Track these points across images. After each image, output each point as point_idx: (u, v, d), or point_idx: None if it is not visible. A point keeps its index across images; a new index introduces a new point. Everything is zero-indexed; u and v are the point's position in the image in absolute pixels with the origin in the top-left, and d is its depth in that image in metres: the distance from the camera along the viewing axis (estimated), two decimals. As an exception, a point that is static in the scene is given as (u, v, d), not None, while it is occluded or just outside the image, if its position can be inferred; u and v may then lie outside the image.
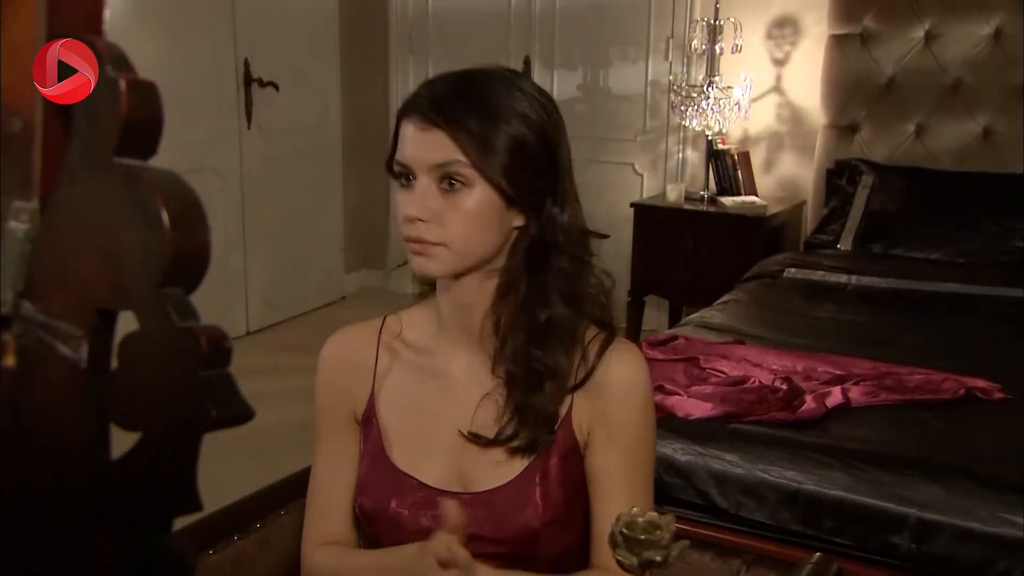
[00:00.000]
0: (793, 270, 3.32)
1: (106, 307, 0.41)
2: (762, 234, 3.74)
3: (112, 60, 0.41)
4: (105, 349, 0.41)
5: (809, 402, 2.15)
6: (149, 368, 0.40)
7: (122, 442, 0.42)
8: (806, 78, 3.95)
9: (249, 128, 4.04)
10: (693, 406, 2.15)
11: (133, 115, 0.41)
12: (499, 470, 1.14)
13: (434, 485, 1.16)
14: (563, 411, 1.15)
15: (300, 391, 3.42)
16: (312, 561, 1.25)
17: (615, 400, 1.15)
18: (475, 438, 1.14)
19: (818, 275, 3.27)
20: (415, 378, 1.21)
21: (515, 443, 1.13)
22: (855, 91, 3.74)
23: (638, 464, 1.18)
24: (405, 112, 1.09)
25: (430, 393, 1.20)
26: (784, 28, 4.02)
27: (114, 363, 0.41)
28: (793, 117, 4.07)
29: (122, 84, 0.41)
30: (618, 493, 1.15)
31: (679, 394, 2.21)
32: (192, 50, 3.78)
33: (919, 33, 3.63)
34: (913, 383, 2.27)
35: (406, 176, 1.09)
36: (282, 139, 4.17)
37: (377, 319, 1.24)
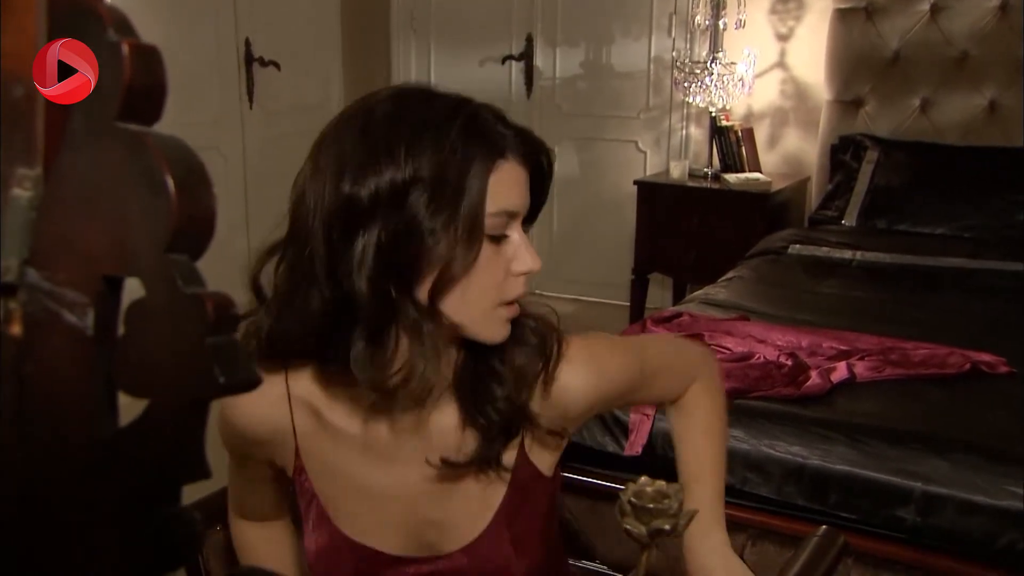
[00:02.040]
0: (798, 246, 3.31)
1: (112, 274, 0.41)
2: (766, 210, 3.73)
3: (115, 24, 0.40)
4: (111, 316, 0.41)
5: (814, 377, 2.15)
6: (156, 335, 0.40)
7: (129, 410, 0.42)
8: (810, 53, 3.93)
9: (251, 108, 4.03)
10: (698, 382, 2.15)
11: (136, 80, 0.40)
12: (464, 525, 1.06)
13: (399, 554, 1.07)
14: (515, 444, 1.05)
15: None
16: (234, 532, 1.24)
17: (595, 396, 1.07)
18: (448, 465, 1.01)
19: (823, 251, 3.26)
20: (343, 448, 1.04)
21: (489, 450, 1.02)
22: (860, 66, 3.72)
23: (647, 364, 1.14)
24: (502, 153, 0.92)
25: (366, 464, 1.04)
26: (788, 2, 3.99)
27: (121, 330, 0.41)
28: (797, 93, 4.05)
29: (125, 49, 0.40)
30: (651, 387, 1.16)
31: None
32: (193, 30, 3.76)
33: (925, 6, 3.60)
34: (918, 358, 2.27)
35: (502, 229, 0.94)
36: (284, 119, 4.15)
37: (270, 375, 1.03)
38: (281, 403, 1.03)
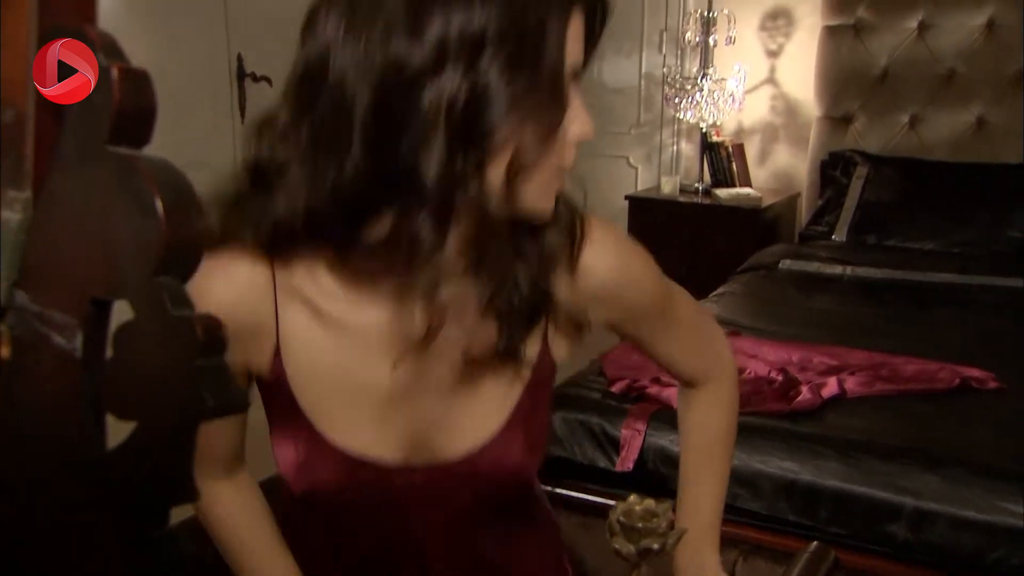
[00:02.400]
0: (788, 261, 3.32)
1: (101, 297, 0.41)
2: (757, 226, 3.74)
3: (104, 48, 0.41)
4: (100, 339, 0.41)
5: (805, 393, 2.16)
6: (144, 357, 0.40)
7: (118, 432, 0.42)
8: (800, 69, 3.95)
9: (243, 123, 4.03)
10: (689, 398, 2.15)
11: (126, 104, 0.41)
12: (473, 427, 0.95)
13: (394, 463, 0.95)
14: (538, 337, 0.96)
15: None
16: (209, 498, 1.05)
17: (617, 290, 0.99)
18: (467, 360, 0.91)
19: (813, 266, 3.27)
20: (342, 344, 0.92)
21: (513, 338, 0.91)
22: (849, 82, 3.74)
23: (672, 303, 1.09)
24: (575, 1, 0.81)
25: (366, 361, 0.93)
26: (778, 19, 4.02)
27: (109, 353, 0.41)
28: (787, 109, 4.08)
29: (115, 73, 0.40)
30: (670, 337, 1.10)
31: (675, 385, 2.22)
32: (184, 46, 3.77)
33: (912, 24, 3.63)
34: (908, 373, 2.28)
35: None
36: (276, 134, 4.16)
37: (250, 258, 0.90)
38: (265, 295, 0.91)
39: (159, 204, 0.41)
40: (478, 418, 0.95)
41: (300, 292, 0.91)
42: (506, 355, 0.92)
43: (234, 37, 3.96)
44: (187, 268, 0.42)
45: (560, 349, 0.99)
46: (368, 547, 1.03)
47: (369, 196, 0.81)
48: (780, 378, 2.26)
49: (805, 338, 2.58)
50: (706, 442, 1.18)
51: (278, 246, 0.88)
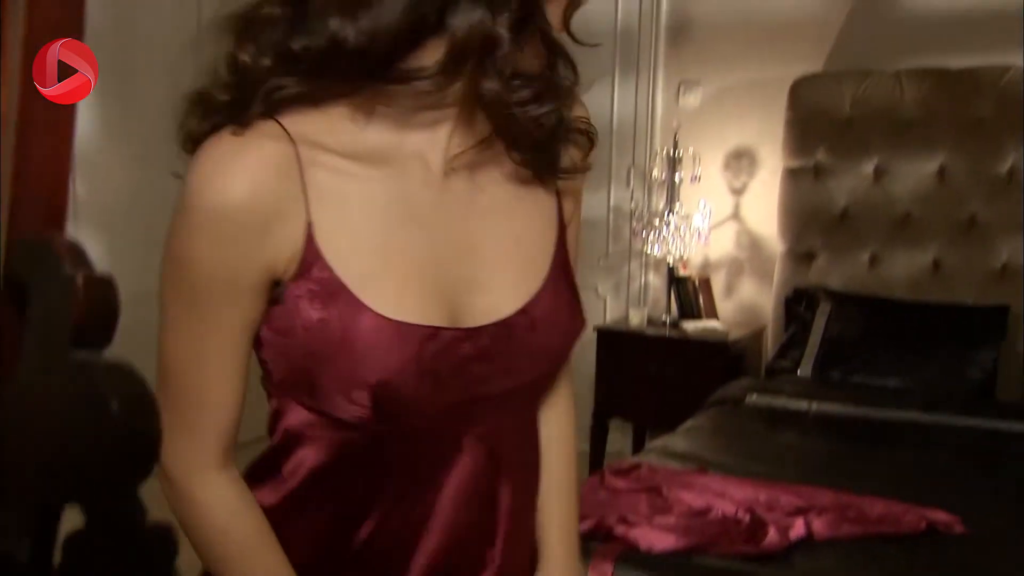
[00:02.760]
0: (755, 396, 3.34)
1: (52, 501, 0.41)
2: (724, 359, 3.78)
3: (70, 257, 0.42)
4: (48, 545, 0.41)
5: (772, 534, 2.14)
6: (93, 568, 0.40)
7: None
8: (763, 207, 4.07)
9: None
10: (656, 538, 2.13)
11: (89, 311, 0.42)
12: (517, 280, 0.92)
13: (458, 330, 0.87)
14: (552, 188, 0.97)
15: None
16: (207, 496, 0.82)
17: (576, 187, 1.01)
18: (498, 204, 0.91)
19: (779, 401, 3.29)
20: (373, 210, 0.86)
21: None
22: (811, 221, 3.85)
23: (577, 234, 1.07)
24: None
25: (395, 222, 0.87)
26: (741, 159, 4.16)
27: (57, 559, 0.41)
28: (752, 244, 4.18)
29: (79, 280, 0.42)
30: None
31: (642, 525, 2.20)
32: (161, 174, 3.81)
33: (869, 168, 3.77)
34: (875, 515, 2.27)
35: None
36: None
37: (264, 136, 0.82)
38: (289, 170, 0.82)
39: (116, 407, 0.41)
40: (522, 271, 0.93)
41: (326, 158, 0.84)
42: (548, 172, 0.92)
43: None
44: (143, 470, 0.42)
45: (565, 211, 0.99)
46: (430, 452, 0.92)
47: (419, 25, 0.79)
48: (747, 518, 2.25)
49: (771, 475, 2.57)
50: (571, 474, 1.10)
51: (314, 93, 0.83)
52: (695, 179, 3.99)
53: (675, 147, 4.02)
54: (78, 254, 0.42)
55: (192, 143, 0.84)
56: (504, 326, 0.90)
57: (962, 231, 3.62)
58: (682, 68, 4.21)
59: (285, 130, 0.82)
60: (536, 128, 0.87)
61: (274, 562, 0.88)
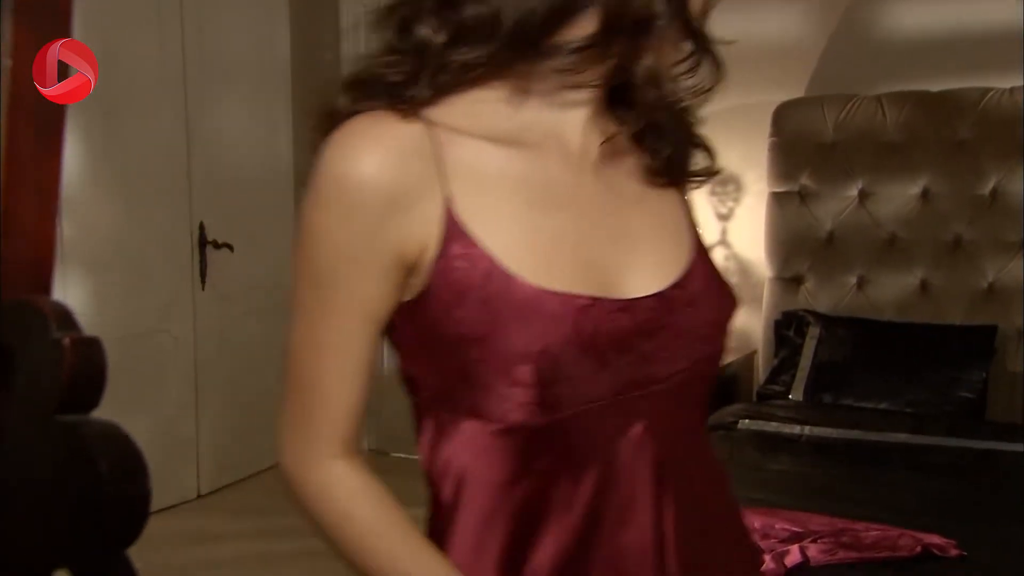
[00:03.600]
0: (747, 421, 3.34)
1: (41, 566, 0.41)
2: (716, 383, 3.76)
3: (57, 319, 0.42)
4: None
5: (768, 562, 2.14)
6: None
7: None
8: (750, 232, 4.09)
9: (203, 289, 4.05)
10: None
11: (77, 374, 0.42)
12: (666, 253, 0.90)
13: (616, 296, 0.83)
14: None
15: (255, 558, 3.30)
16: (322, 483, 0.82)
17: None
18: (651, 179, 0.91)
19: (772, 426, 3.29)
20: (517, 192, 0.83)
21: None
22: (797, 245, 3.87)
23: None
24: None
25: (537, 204, 0.84)
26: (727, 185, 4.18)
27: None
28: (740, 269, 4.19)
29: (66, 343, 0.42)
30: None
31: None
32: (147, 215, 3.82)
33: (853, 191, 3.80)
34: (870, 540, 2.27)
35: None
36: (237, 299, 4.17)
37: (396, 114, 0.81)
38: (423, 148, 0.80)
39: (105, 469, 0.41)
40: (668, 252, 0.91)
41: (463, 139, 0.83)
42: (677, 171, 0.94)
43: (196, 206, 4.03)
44: (132, 532, 0.42)
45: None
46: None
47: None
48: (743, 547, 2.24)
49: (765, 501, 2.56)
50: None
51: (438, 88, 0.82)
52: (681, 206, 4.01)
53: (661, 175, 4.04)
54: (65, 316, 0.42)
55: (332, 122, 0.82)
56: (662, 298, 0.86)
57: (948, 252, 3.64)
58: (665, 96, 4.24)
59: (424, 115, 0.82)
60: (678, 122, 0.90)
61: (405, 544, 0.82)
